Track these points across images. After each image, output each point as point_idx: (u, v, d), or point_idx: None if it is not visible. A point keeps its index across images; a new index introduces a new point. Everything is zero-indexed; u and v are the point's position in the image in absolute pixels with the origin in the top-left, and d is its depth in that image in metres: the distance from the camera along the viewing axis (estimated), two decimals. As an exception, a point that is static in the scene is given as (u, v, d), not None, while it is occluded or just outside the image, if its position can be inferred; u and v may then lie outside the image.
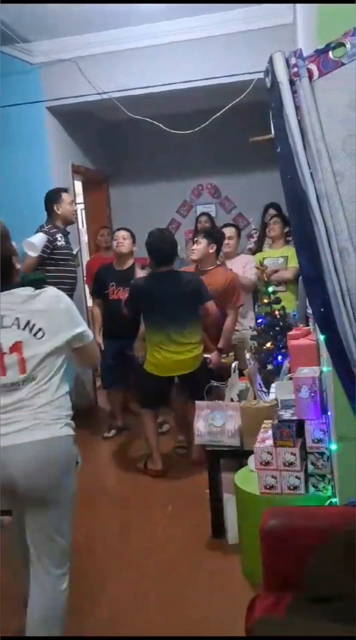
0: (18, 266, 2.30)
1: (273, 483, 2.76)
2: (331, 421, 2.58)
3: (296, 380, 2.74)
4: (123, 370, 5.02)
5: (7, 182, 4.55)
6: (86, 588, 2.97)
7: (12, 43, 4.69)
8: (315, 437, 2.70)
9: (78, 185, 6.63)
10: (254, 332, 4.05)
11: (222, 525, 3.33)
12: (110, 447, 4.98)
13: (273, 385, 3.38)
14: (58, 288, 2.33)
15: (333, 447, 2.55)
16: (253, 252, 5.83)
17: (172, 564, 3.17)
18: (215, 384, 3.95)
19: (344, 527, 1.92)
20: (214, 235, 4.63)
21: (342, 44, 1.80)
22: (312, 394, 2.69)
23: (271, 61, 1.86)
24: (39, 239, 4.41)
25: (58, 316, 2.22)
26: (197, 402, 3.55)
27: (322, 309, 1.90)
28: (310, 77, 1.83)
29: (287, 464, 2.73)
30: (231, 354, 4.55)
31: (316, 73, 1.83)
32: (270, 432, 2.81)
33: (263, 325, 3.97)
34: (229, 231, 5.06)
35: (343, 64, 1.81)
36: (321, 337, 2.15)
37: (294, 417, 2.76)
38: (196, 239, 4.62)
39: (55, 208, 4.63)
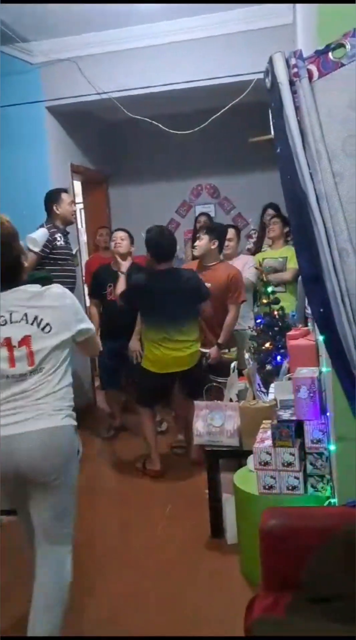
0: (26, 264, 2.46)
1: (272, 483, 2.76)
2: (330, 421, 2.58)
3: (295, 381, 2.74)
4: (121, 370, 5.03)
5: (7, 182, 4.55)
6: (85, 588, 2.97)
7: (12, 43, 4.69)
8: (313, 437, 2.71)
9: (77, 185, 6.63)
10: (254, 332, 4.05)
11: (221, 525, 3.33)
12: (109, 447, 4.98)
13: (272, 385, 3.38)
14: None
15: (332, 447, 2.55)
16: (252, 252, 5.83)
17: (172, 564, 3.17)
18: (218, 379, 4.00)
19: (343, 528, 1.92)
20: (216, 230, 4.64)
21: (342, 45, 1.81)
22: (311, 395, 2.69)
23: (271, 62, 1.86)
24: (40, 234, 4.44)
25: (64, 312, 2.36)
26: (196, 402, 3.55)
27: (321, 310, 1.90)
28: (310, 77, 1.84)
29: (286, 464, 2.73)
30: (233, 349, 4.56)
31: (316, 74, 1.84)
32: (269, 432, 2.81)
33: (262, 326, 3.97)
34: (229, 232, 5.06)
35: (342, 65, 1.81)
36: (321, 338, 2.15)
37: (294, 418, 2.76)
38: (198, 235, 4.64)
39: (54, 208, 4.63)
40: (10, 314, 2.28)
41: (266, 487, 2.77)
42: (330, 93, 1.83)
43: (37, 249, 4.37)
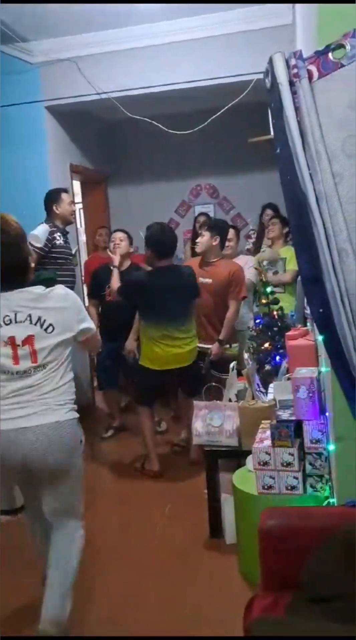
0: (33, 265, 2.58)
1: (271, 483, 2.76)
2: (329, 422, 2.58)
3: (295, 381, 2.74)
4: (119, 370, 5.03)
5: (6, 181, 4.55)
6: (85, 588, 2.97)
7: (12, 42, 4.69)
8: (313, 437, 2.71)
9: (77, 185, 6.63)
10: (253, 332, 4.06)
11: (220, 525, 3.33)
12: (108, 448, 4.98)
13: (271, 385, 3.39)
14: None
15: (331, 447, 2.55)
16: (252, 252, 5.84)
17: (170, 564, 3.17)
18: (219, 375, 4.03)
19: (342, 528, 1.92)
20: (218, 227, 4.66)
21: (342, 46, 1.81)
22: (310, 395, 2.69)
23: (271, 62, 1.86)
24: (42, 230, 4.46)
25: (66, 313, 2.47)
26: (195, 402, 3.56)
27: (321, 310, 1.90)
28: (310, 78, 1.84)
29: (285, 464, 2.74)
30: (235, 345, 4.57)
31: (315, 74, 1.84)
32: (268, 432, 2.82)
33: (261, 326, 3.98)
34: (229, 233, 5.07)
35: (342, 65, 1.81)
36: (320, 338, 2.15)
37: (293, 418, 2.77)
38: (199, 232, 4.66)
39: (54, 208, 4.63)
40: (15, 314, 2.39)
41: (265, 487, 2.77)
42: (330, 93, 1.83)
43: (40, 245, 4.40)
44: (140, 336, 4.32)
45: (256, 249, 5.79)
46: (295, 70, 1.83)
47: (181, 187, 7.33)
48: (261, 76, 2.01)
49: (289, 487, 2.74)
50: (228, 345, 4.51)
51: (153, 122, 4.86)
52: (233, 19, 4.64)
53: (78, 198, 6.84)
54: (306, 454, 2.74)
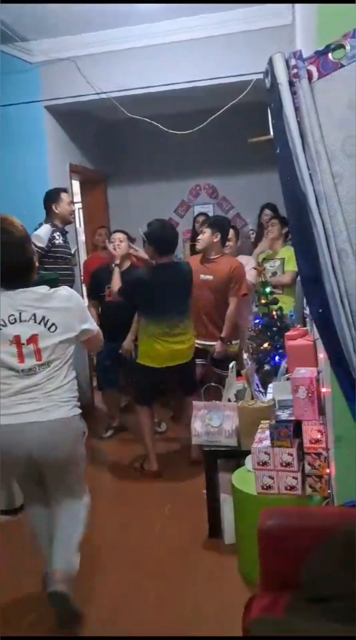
0: (37, 264, 2.65)
1: (270, 483, 2.76)
2: (328, 422, 2.58)
3: (294, 381, 2.74)
4: (119, 370, 5.03)
5: (6, 181, 4.55)
6: (83, 588, 2.97)
7: (12, 42, 4.69)
8: (312, 437, 2.71)
9: (76, 185, 6.63)
10: (252, 332, 4.06)
11: (219, 525, 3.33)
12: (107, 448, 4.97)
13: (271, 385, 3.38)
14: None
15: (330, 447, 2.55)
16: (251, 252, 5.83)
17: (170, 564, 3.17)
18: (222, 373, 4.05)
19: (341, 528, 1.92)
20: (218, 224, 4.68)
21: (342, 46, 1.81)
22: (309, 395, 2.69)
23: (270, 62, 1.86)
24: (44, 231, 4.48)
25: (69, 313, 2.56)
26: (194, 402, 3.56)
27: (320, 310, 1.90)
28: (310, 78, 1.84)
29: (284, 464, 2.73)
30: (236, 341, 4.58)
31: (315, 74, 1.84)
32: (267, 432, 2.81)
33: (260, 326, 3.98)
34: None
35: (342, 66, 1.81)
36: (319, 338, 2.15)
37: (292, 418, 2.76)
38: (201, 229, 4.69)
39: (54, 207, 4.63)
40: (20, 313, 2.47)
41: (265, 487, 2.77)
42: (330, 94, 1.83)
43: (42, 245, 4.42)
44: (139, 335, 4.31)
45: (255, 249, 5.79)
46: (295, 71, 1.83)
47: (180, 187, 7.33)
48: (260, 76, 2.01)
49: (288, 487, 2.73)
50: (229, 342, 4.53)
51: (153, 122, 4.86)
52: (233, 19, 4.64)
53: (77, 198, 6.84)
54: (305, 454, 2.74)
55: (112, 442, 5.09)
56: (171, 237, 4.16)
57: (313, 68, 1.84)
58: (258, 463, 2.78)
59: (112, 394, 5.28)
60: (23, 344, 2.46)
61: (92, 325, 2.69)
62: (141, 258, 4.24)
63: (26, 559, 3.24)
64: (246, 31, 4.66)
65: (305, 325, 3.54)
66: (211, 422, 3.36)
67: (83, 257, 6.70)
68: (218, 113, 4.60)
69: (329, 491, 2.65)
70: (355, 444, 2.29)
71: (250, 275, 4.87)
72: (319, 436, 2.69)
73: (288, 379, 3.04)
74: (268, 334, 3.87)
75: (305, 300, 2.97)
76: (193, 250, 5.85)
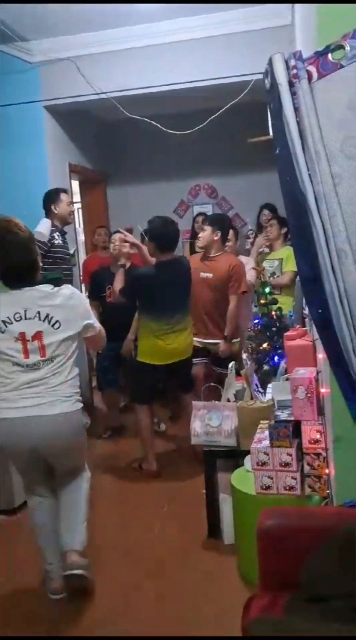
0: (41, 264, 2.80)
1: (269, 483, 2.76)
2: (327, 422, 2.58)
3: (293, 381, 2.74)
4: (119, 371, 5.03)
5: (6, 181, 4.55)
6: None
7: (12, 42, 4.69)
8: (311, 437, 2.71)
9: (75, 185, 6.63)
10: (252, 333, 4.06)
11: (218, 525, 3.33)
12: (106, 448, 4.97)
13: (270, 385, 3.38)
14: None
15: (330, 447, 2.55)
16: (250, 252, 5.83)
17: (169, 564, 3.17)
18: (221, 371, 4.11)
19: (341, 528, 1.92)
20: (219, 222, 4.69)
21: (341, 46, 1.81)
22: (309, 395, 2.69)
23: (270, 63, 1.86)
24: (44, 226, 4.49)
25: (72, 311, 2.68)
26: (194, 403, 3.57)
27: (320, 310, 1.90)
28: (309, 78, 1.84)
29: (283, 464, 2.74)
30: (237, 339, 4.59)
31: (315, 75, 1.84)
32: (267, 432, 2.82)
33: (259, 326, 3.98)
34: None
35: (342, 66, 1.81)
36: (319, 338, 2.15)
37: (291, 418, 2.77)
38: (198, 231, 4.71)
39: (53, 207, 4.63)
40: (25, 311, 2.59)
41: (264, 487, 2.77)
42: (329, 94, 1.83)
43: (45, 240, 4.43)
44: (140, 332, 4.29)
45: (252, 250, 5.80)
46: (295, 71, 1.83)
47: (180, 187, 7.33)
48: (260, 76, 2.01)
49: (287, 487, 2.74)
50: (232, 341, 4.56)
51: (152, 122, 4.85)
52: (233, 19, 4.64)
53: (77, 198, 6.84)
54: (304, 454, 2.74)
55: (111, 443, 5.08)
56: (173, 233, 4.17)
57: (312, 68, 1.84)
58: (257, 463, 2.78)
59: (111, 394, 5.27)
60: (28, 340, 2.58)
61: (94, 322, 2.81)
62: (143, 257, 4.24)
63: (26, 559, 3.24)
64: (246, 31, 4.66)
65: (304, 326, 3.54)
66: (210, 422, 3.36)
67: (82, 257, 6.69)
68: (218, 113, 4.60)
69: (328, 491, 2.66)
70: (354, 444, 2.29)
71: (249, 275, 4.87)
72: (318, 436, 2.69)
73: (287, 379, 3.04)
74: (267, 334, 3.87)
75: (304, 301, 2.98)
76: (193, 249, 5.86)
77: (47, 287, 2.66)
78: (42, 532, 2.89)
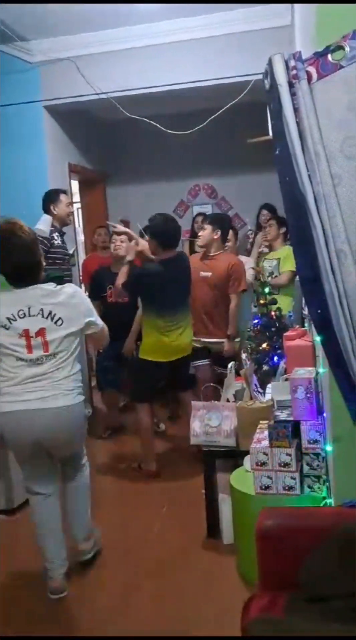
0: (44, 264, 2.88)
1: (269, 483, 2.76)
2: (326, 422, 2.59)
3: (293, 381, 2.74)
4: (120, 371, 5.03)
5: (6, 181, 4.55)
6: (81, 588, 2.97)
7: (12, 42, 4.69)
8: (310, 438, 2.71)
9: (75, 185, 6.63)
10: (251, 333, 4.06)
11: (217, 525, 3.34)
12: (106, 448, 4.98)
13: (269, 385, 3.38)
14: None
15: (329, 448, 2.56)
16: (250, 252, 5.84)
17: (168, 564, 3.17)
18: (222, 371, 4.12)
19: (340, 528, 1.92)
20: (219, 221, 4.71)
21: (341, 47, 1.81)
22: (308, 395, 2.69)
23: (270, 63, 1.86)
24: (44, 223, 4.50)
25: (74, 308, 2.78)
26: (193, 403, 3.57)
27: (319, 311, 1.91)
28: (309, 79, 1.84)
29: (283, 464, 2.74)
30: (238, 339, 4.60)
31: (315, 75, 1.84)
32: (266, 432, 2.82)
33: (259, 326, 3.98)
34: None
35: (341, 67, 1.81)
36: (318, 339, 2.16)
37: (290, 418, 2.77)
38: (202, 226, 4.76)
39: (52, 208, 4.64)
40: (29, 309, 2.70)
41: (263, 487, 2.77)
42: (329, 95, 1.83)
43: (46, 235, 4.44)
44: (144, 330, 4.27)
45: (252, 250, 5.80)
46: (294, 72, 1.83)
47: (179, 187, 7.33)
48: (260, 77, 2.01)
49: (286, 488, 2.74)
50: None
51: (152, 122, 4.86)
52: (233, 19, 4.64)
53: (77, 198, 6.84)
54: (303, 454, 2.74)
55: (111, 443, 5.08)
56: (174, 230, 4.19)
57: (312, 69, 1.84)
58: (256, 463, 2.78)
59: (111, 394, 5.27)
60: (32, 336, 2.68)
61: (97, 320, 2.91)
62: (143, 255, 4.24)
63: (25, 559, 3.24)
64: (246, 31, 4.66)
65: (303, 326, 3.54)
66: (209, 422, 3.36)
67: (82, 257, 6.69)
68: (218, 113, 4.60)
69: (327, 491, 2.66)
70: (353, 445, 2.29)
71: (248, 275, 4.88)
72: (317, 436, 2.69)
73: (286, 379, 3.04)
74: (267, 334, 3.87)
75: (303, 301, 2.98)
76: (192, 248, 5.86)
77: (50, 286, 2.77)
78: (43, 530, 2.91)
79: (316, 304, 1.90)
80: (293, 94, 1.84)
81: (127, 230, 4.47)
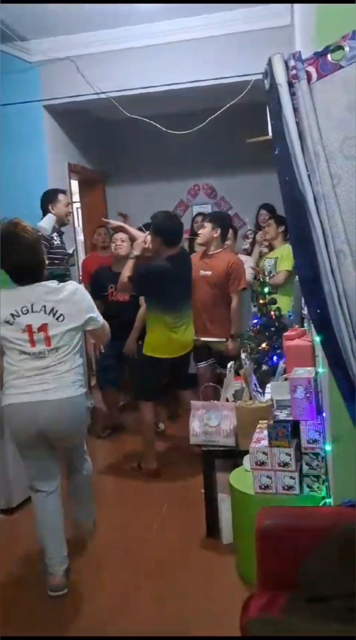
0: (46, 262, 2.98)
1: (268, 483, 2.77)
2: (326, 422, 2.59)
3: (292, 381, 2.74)
4: (120, 370, 5.03)
5: (5, 181, 4.55)
6: (81, 588, 2.97)
7: (12, 42, 4.69)
8: (309, 437, 2.71)
9: (75, 185, 6.62)
10: (251, 333, 4.06)
11: (217, 525, 3.34)
12: (105, 447, 4.98)
13: (269, 385, 3.39)
14: None
15: (328, 447, 2.56)
16: (249, 252, 5.84)
17: (167, 563, 3.17)
18: (223, 371, 4.14)
19: (339, 527, 1.93)
20: (219, 219, 4.72)
21: (341, 47, 1.81)
22: (307, 395, 2.70)
23: (270, 63, 1.86)
24: (47, 221, 4.50)
25: (75, 305, 2.88)
26: (193, 402, 3.57)
27: (319, 311, 1.91)
28: (309, 79, 1.84)
29: (282, 464, 2.74)
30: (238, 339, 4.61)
31: (314, 75, 1.84)
32: (265, 432, 2.82)
33: (258, 326, 3.98)
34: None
35: (341, 67, 1.81)
36: (318, 338, 2.16)
37: (290, 418, 2.77)
38: (202, 224, 4.78)
39: (51, 208, 4.63)
40: (32, 305, 2.80)
41: (262, 487, 2.77)
42: (329, 95, 1.83)
43: (48, 233, 4.44)
44: (150, 327, 4.25)
45: (253, 250, 5.79)
46: (294, 72, 1.83)
47: (179, 187, 7.32)
48: (260, 77, 2.01)
49: (286, 487, 2.74)
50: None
51: (152, 122, 4.85)
52: (233, 19, 4.64)
53: (76, 197, 6.83)
54: (303, 454, 2.75)
55: (110, 442, 5.09)
56: (177, 227, 4.21)
57: (312, 69, 1.84)
58: (255, 463, 2.78)
59: (111, 394, 5.27)
60: (34, 332, 2.78)
61: (97, 316, 2.99)
62: (144, 252, 4.23)
63: (25, 559, 3.25)
64: (246, 31, 4.66)
65: (303, 326, 3.54)
66: (209, 421, 3.36)
67: (81, 256, 6.69)
68: (217, 113, 4.60)
69: (326, 491, 2.66)
70: (352, 444, 2.30)
71: (247, 274, 4.88)
72: (317, 436, 2.70)
73: (286, 379, 3.05)
74: (266, 334, 3.87)
75: (303, 301, 2.98)
76: (192, 247, 5.86)
77: (52, 283, 2.88)
78: (45, 527, 2.94)
79: (316, 304, 1.91)
80: (292, 94, 1.84)
81: (121, 224, 4.49)
